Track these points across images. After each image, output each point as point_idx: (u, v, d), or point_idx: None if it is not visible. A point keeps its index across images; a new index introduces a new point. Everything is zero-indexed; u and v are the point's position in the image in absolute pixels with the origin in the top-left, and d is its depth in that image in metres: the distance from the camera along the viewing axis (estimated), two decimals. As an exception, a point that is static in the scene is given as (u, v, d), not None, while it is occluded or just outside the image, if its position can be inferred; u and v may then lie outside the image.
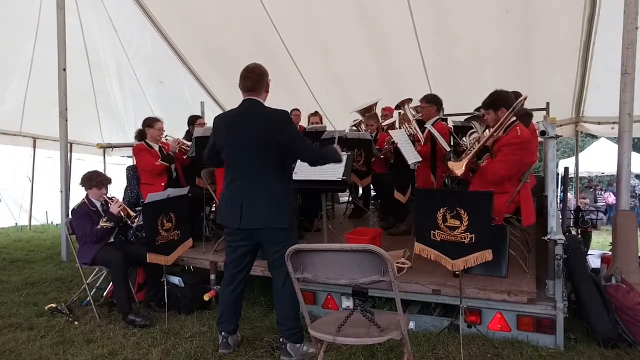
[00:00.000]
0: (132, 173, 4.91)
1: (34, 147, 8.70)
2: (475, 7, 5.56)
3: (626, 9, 3.73)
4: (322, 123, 6.31)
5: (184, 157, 4.80)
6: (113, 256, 3.63)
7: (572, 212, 5.85)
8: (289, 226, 2.85)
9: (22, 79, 7.19)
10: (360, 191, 5.91)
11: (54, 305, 3.81)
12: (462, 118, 5.12)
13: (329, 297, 3.54)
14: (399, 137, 4.34)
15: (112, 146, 7.51)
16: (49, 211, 10.39)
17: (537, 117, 4.73)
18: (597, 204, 13.82)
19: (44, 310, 3.81)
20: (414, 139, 4.61)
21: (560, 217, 4.25)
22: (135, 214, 3.89)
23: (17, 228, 9.56)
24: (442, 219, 2.87)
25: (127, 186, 4.96)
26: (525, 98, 3.40)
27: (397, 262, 3.50)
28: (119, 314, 3.61)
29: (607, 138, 12.02)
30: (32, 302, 4.08)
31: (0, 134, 7.94)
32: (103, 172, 4.07)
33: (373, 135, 5.16)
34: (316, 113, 6.41)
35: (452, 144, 4.30)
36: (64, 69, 5.07)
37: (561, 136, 6.90)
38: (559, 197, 4.54)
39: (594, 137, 13.01)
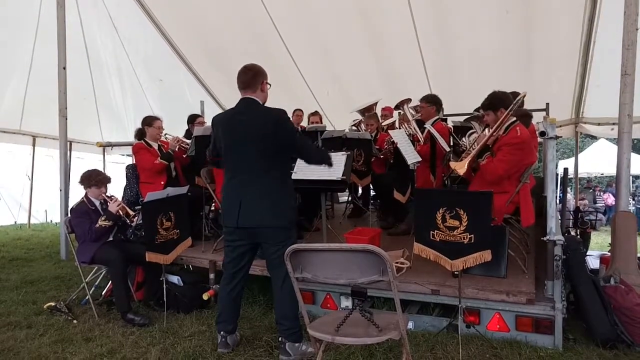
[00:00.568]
0: (132, 172, 4.90)
1: (34, 145, 8.73)
2: (476, 7, 5.56)
3: (626, 10, 3.73)
4: (322, 123, 6.31)
5: (184, 155, 4.80)
6: (112, 255, 3.63)
7: (572, 212, 5.85)
8: (289, 225, 2.85)
9: (22, 77, 7.20)
10: (360, 191, 5.91)
11: (52, 303, 3.81)
12: (462, 118, 5.13)
13: (328, 296, 3.53)
14: (399, 137, 4.34)
15: (111, 145, 7.52)
16: (49, 209, 10.39)
17: (537, 117, 4.74)
18: (597, 204, 13.83)
19: (43, 309, 3.81)
20: (413, 139, 4.61)
21: (560, 217, 4.26)
22: (134, 213, 3.89)
23: (16, 226, 9.55)
24: (442, 219, 2.87)
25: (126, 185, 4.96)
26: (525, 95, 3.40)
27: (396, 262, 3.50)
28: (118, 312, 3.61)
29: (607, 139, 12.04)
30: (30, 301, 4.07)
31: (0, 132, 7.94)
32: (102, 171, 4.06)
33: (373, 135, 5.16)
34: (316, 113, 6.41)
35: (451, 144, 4.30)
36: (64, 68, 5.08)
37: (561, 137, 6.93)
38: (558, 197, 4.55)
39: (594, 138, 13.03)
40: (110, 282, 3.91)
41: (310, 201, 4.85)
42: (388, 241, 4.30)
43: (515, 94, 3.55)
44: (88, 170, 3.93)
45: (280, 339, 2.91)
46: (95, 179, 3.83)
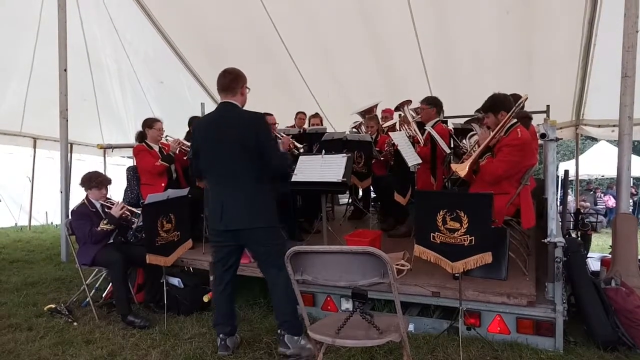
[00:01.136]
0: (133, 174, 4.91)
1: (34, 147, 8.72)
2: (476, 8, 5.56)
3: (626, 12, 3.73)
4: (322, 124, 6.32)
5: (184, 157, 4.80)
6: (113, 257, 3.63)
7: (572, 214, 5.84)
8: (270, 225, 2.88)
9: (22, 79, 7.20)
10: (361, 193, 5.90)
11: (53, 305, 3.81)
12: (462, 120, 5.13)
13: (329, 299, 3.53)
14: (399, 139, 4.34)
15: (112, 147, 7.52)
16: (49, 211, 10.40)
17: (537, 119, 4.74)
18: (597, 206, 13.81)
19: (43, 311, 3.81)
20: (413, 141, 4.61)
21: (560, 219, 4.25)
22: (138, 212, 3.88)
23: (17, 228, 9.56)
24: (442, 221, 2.87)
25: (127, 187, 4.96)
26: (526, 98, 3.40)
27: (397, 264, 3.50)
28: (118, 314, 3.61)
29: (607, 141, 12.05)
30: (31, 303, 4.08)
31: (1, 134, 7.96)
32: (103, 173, 4.07)
33: (373, 137, 5.16)
34: (316, 114, 6.41)
35: (452, 146, 4.29)
36: (65, 70, 5.08)
37: (561, 139, 6.90)
38: (558, 199, 4.54)
39: (594, 139, 13.00)
40: (110, 284, 3.91)
41: (311, 203, 4.85)
42: (388, 243, 4.30)
43: (515, 96, 3.55)
44: (89, 172, 3.94)
45: (279, 331, 2.93)
46: (95, 181, 3.84)
